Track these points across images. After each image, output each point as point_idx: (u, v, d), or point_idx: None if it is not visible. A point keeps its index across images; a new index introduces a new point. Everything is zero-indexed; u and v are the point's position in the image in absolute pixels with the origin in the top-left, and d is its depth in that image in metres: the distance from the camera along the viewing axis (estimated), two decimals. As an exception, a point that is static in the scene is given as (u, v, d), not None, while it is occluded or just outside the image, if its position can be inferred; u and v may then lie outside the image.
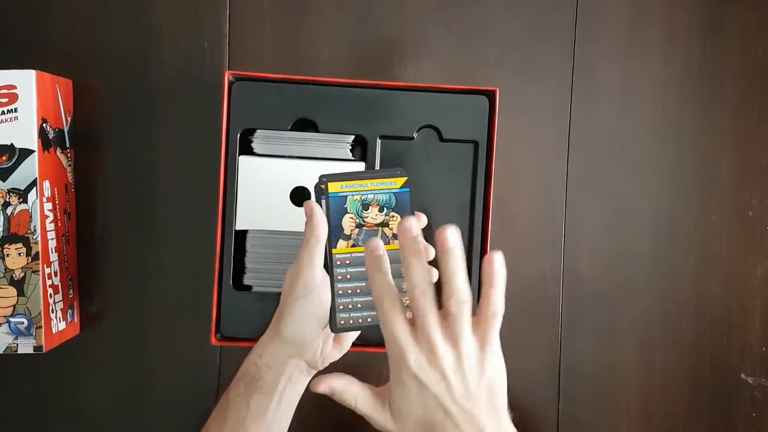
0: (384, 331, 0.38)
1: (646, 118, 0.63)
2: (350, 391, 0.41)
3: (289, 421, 0.48)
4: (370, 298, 0.45)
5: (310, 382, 0.43)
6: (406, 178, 0.46)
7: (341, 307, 0.46)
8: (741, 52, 0.63)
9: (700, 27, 0.63)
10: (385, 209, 0.46)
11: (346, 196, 0.46)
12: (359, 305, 0.46)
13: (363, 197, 0.46)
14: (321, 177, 0.46)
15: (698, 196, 0.63)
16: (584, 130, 0.63)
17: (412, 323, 0.38)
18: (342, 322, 0.46)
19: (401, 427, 0.39)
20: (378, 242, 0.39)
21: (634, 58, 0.63)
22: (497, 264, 0.38)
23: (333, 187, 0.46)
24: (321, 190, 0.46)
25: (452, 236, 0.37)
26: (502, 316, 0.39)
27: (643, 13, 0.63)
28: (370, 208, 0.46)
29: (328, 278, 0.46)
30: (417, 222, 0.38)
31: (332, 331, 0.46)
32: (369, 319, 0.46)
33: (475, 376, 0.37)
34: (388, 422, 0.39)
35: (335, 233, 0.46)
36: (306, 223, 0.45)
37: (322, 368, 0.48)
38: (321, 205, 0.46)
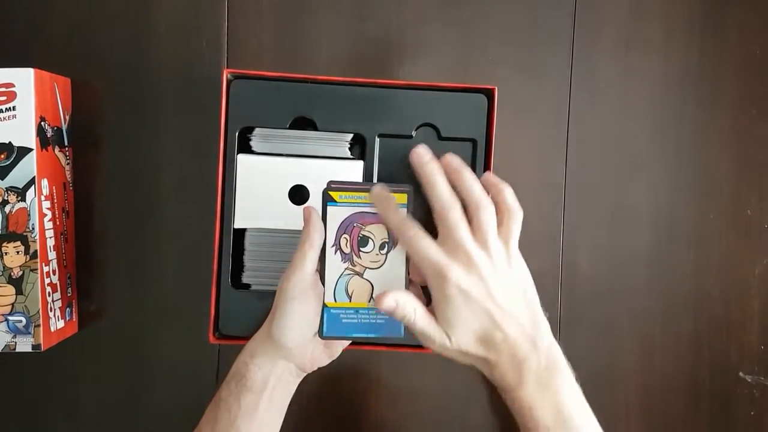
0: (416, 257, 0.41)
1: (645, 117, 0.63)
2: (410, 305, 0.41)
3: (281, 421, 0.48)
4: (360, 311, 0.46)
5: (377, 297, 0.42)
6: (406, 194, 0.45)
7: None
8: (740, 50, 0.63)
9: (699, 25, 0.63)
10: (386, 246, 0.45)
11: (345, 208, 0.45)
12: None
13: (361, 231, 0.45)
14: (329, 183, 0.46)
15: (697, 195, 0.63)
16: (583, 129, 0.63)
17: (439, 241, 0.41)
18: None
19: (455, 338, 0.41)
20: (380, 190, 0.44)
21: (633, 56, 0.63)
22: (494, 178, 0.46)
23: (334, 196, 0.45)
24: (326, 196, 0.46)
25: (452, 156, 0.46)
26: (520, 214, 0.44)
27: (642, 11, 0.63)
28: (368, 244, 0.45)
29: (320, 284, 0.45)
30: (426, 148, 0.44)
31: (320, 337, 0.45)
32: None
33: (507, 274, 0.41)
34: (443, 337, 0.41)
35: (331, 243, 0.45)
36: (303, 226, 0.45)
37: (310, 371, 0.49)
38: (325, 210, 0.45)
